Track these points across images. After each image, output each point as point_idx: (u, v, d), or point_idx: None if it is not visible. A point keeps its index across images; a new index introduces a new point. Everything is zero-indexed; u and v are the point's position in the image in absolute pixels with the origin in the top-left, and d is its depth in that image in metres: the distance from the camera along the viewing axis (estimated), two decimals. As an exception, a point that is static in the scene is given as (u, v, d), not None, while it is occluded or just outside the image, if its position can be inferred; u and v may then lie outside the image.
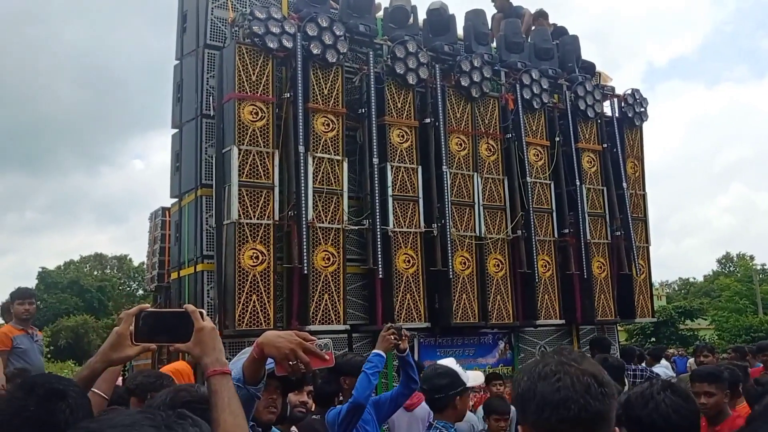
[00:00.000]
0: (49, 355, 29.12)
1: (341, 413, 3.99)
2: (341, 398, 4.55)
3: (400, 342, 4.19)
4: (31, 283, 49.47)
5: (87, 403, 1.91)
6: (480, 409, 6.39)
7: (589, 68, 10.53)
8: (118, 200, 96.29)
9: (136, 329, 2.04)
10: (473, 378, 3.93)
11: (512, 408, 7.35)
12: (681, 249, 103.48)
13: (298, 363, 2.17)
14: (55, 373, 2.06)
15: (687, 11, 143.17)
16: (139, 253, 59.77)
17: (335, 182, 7.70)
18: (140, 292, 50.82)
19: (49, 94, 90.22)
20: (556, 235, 9.42)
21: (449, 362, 3.87)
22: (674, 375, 10.99)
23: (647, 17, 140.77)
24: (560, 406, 1.54)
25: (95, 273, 55.50)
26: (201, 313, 2.02)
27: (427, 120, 8.59)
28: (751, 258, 52.46)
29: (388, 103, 8.26)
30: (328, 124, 7.78)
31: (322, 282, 7.42)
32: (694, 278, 62.88)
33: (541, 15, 10.91)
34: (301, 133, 7.48)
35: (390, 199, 8.02)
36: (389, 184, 8.04)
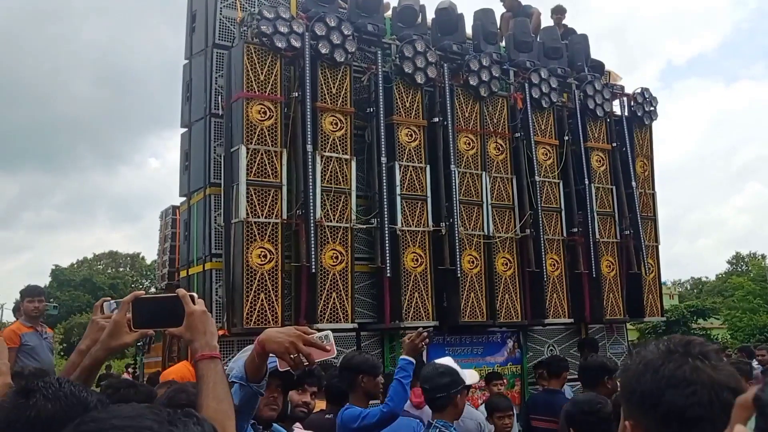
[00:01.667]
0: (62, 352, 29.34)
1: (366, 417, 3.99)
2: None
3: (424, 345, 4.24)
4: (45, 280, 49.91)
5: (75, 399, 1.88)
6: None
7: (598, 67, 10.50)
8: (133, 198, 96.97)
9: (132, 316, 2.06)
10: (470, 376, 3.93)
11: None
12: (695, 248, 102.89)
13: (300, 356, 2.19)
14: (49, 371, 2.04)
15: (707, 11, 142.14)
16: (151, 251, 60.08)
17: (343, 181, 7.73)
18: (152, 290, 51.07)
19: (67, 92, 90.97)
20: (564, 234, 9.40)
21: (447, 361, 3.87)
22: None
23: (666, 16, 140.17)
24: (691, 425, 1.36)
25: (109, 271, 55.85)
26: (192, 297, 2.02)
27: (436, 119, 8.59)
28: (763, 257, 52.01)
29: (397, 103, 8.27)
30: (336, 124, 7.80)
31: (330, 280, 7.45)
32: (707, 277, 62.50)
33: (558, 11, 10.87)
34: (309, 133, 7.51)
35: (398, 198, 8.03)
36: (397, 183, 8.05)
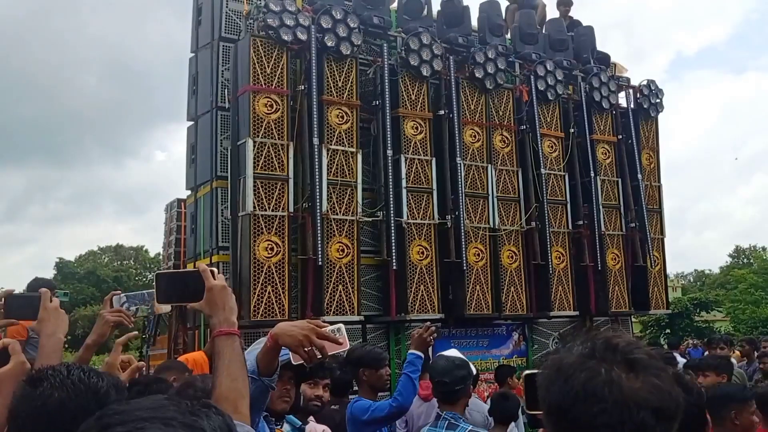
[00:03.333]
0: (66, 345, 29.39)
1: (376, 410, 3.99)
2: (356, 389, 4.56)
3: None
4: (49, 273, 49.94)
5: (83, 385, 1.85)
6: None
7: (603, 59, 10.48)
8: (139, 191, 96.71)
9: (155, 290, 2.08)
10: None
11: None
12: (701, 240, 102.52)
13: (313, 349, 2.19)
14: (66, 363, 2.02)
15: (718, 0, 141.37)
16: (155, 244, 60.17)
17: (349, 174, 7.73)
18: (156, 283, 51.03)
19: (74, 86, 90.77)
20: (570, 227, 9.41)
21: (455, 353, 3.89)
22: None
23: (676, 7, 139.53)
24: None
25: (114, 263, 55.90)
26: (212, 272, 2.01)
27: (441, 112, 8.60)
28: (763, 249, 51.97)
29: (402, 95, 8.27)
30: (342, 116, 7.80)
31: (337, 273, 7.46)
32: (710, 270, 62.39)
33: (564, 3, 10.82)
34: (315, 125, 7.51)
35: (404, 191, 8.04)
36: (403, 175, 8.05)
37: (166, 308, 2.76)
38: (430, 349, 7.88)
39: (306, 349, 2.18)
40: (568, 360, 1.25)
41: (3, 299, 2.55)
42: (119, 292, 2.80)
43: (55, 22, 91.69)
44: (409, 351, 4.24)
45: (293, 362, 2.31)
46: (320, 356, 2.22)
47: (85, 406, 1.76)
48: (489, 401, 5.69)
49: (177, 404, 1.11)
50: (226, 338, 1.93)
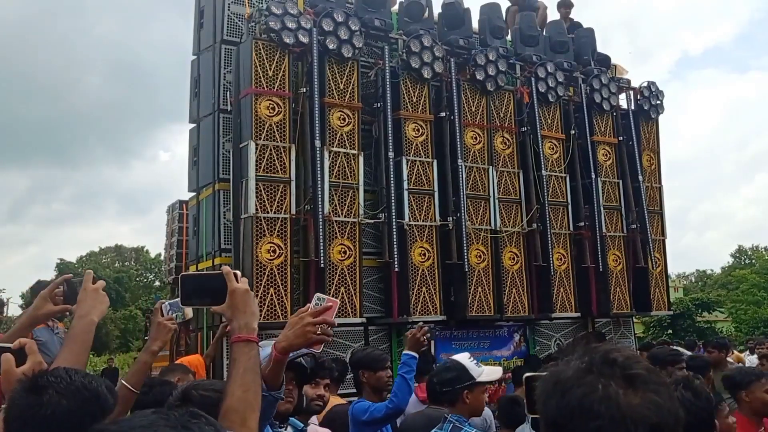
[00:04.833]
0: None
1: (374, 411, 4.01)
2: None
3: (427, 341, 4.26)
4: (50, 274, 49.94)
5: (87, 392, 1.81)
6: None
7: (604, 61, 10.50)
8: (143, 192, 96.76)
9: (180, 293, 2.07)
10: (488, 373, 3.90)
11: None
12: (703, 240, 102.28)
13: (320, 328, 2.19)
14: (65, 367, 2.00)
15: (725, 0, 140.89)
16: (156, 245, 60.15)
17: (351, 176, 7.76)
18: (157, 283, 51.10)
19: (79, 87, 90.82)
20: (571, 228, 9.42)
21: (462, 357, 3.88)
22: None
23: (683, 6, 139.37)
24: None
25: (116, 264, 55.89)
26: (236, 275, 1.99)
27: (443, 114, 8.62)
28: (765, 249, 51.98)
29: (404, 98, 8.29)
30: (343, 119, 7.82)
31: (339, 275, 7.49)
32: (712, 270, 62.36)
33: (565, 5, 10.83)
34: (317, 128, 7.54)
35: (405, 193, 8.06)
36: (405, 177, 8.07)
37: (189, 312, 2.82)
38: (433, 350, 7.95)
39: (317, 333, 2.19)
40: (566, 374, 1.23)
41: (62, 285, 2.58)
42: (164, 300, 2.86)
43: (61, 24, 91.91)
44: (404, 352, 4.26)
45: (316, 351, 2.35)
46: (330, 328, 2.26)
47: (90, 413, 1.78)
48: (497, 405, 5.70)
49: (167, 418, 1.11)
50: (244, 345, 1.90)
